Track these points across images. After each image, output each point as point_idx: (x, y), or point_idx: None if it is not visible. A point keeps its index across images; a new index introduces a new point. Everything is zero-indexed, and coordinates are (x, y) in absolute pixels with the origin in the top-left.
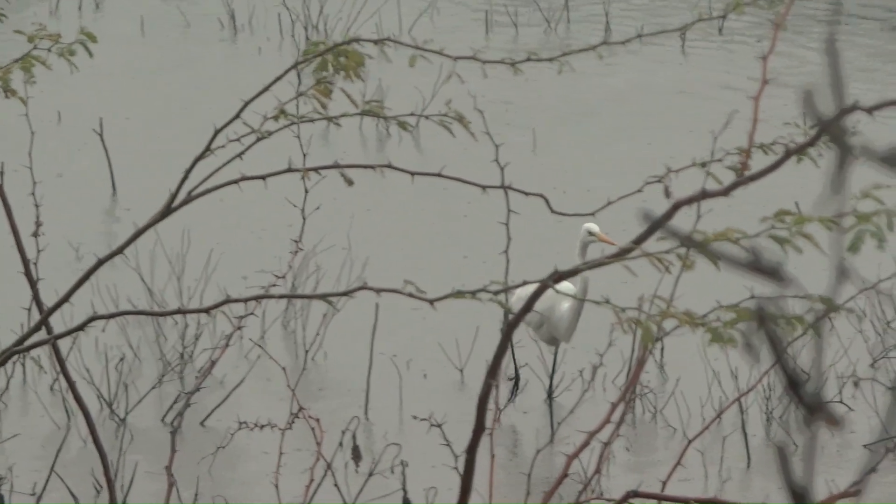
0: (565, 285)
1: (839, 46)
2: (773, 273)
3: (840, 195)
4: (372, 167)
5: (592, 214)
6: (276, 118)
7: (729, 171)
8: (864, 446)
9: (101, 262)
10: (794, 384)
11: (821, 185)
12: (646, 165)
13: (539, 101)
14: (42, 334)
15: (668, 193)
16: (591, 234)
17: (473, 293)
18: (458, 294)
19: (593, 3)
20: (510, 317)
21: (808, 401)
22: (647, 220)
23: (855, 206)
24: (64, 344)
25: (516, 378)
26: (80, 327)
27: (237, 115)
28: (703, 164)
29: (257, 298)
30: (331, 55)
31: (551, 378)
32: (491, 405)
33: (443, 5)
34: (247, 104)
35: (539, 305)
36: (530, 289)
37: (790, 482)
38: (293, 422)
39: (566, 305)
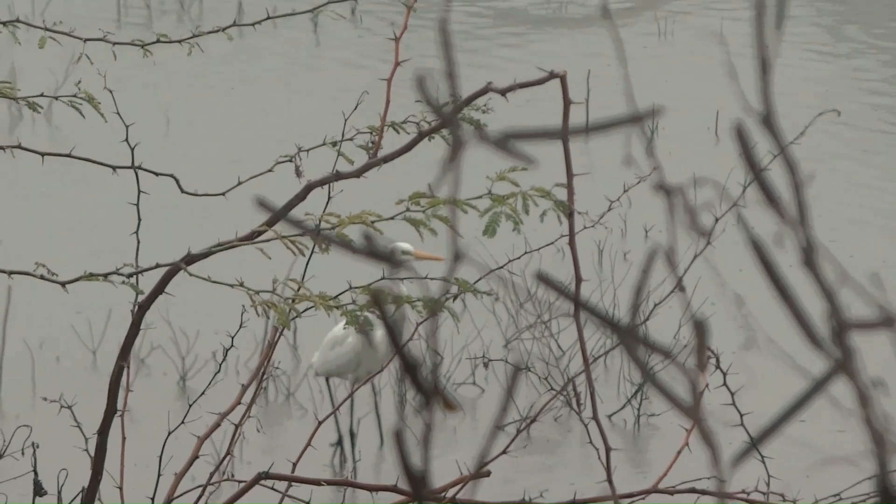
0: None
1: (451, 31)
2: (387, 258)
3: (454, 179)
4: (1, 148)
5: (223, 194)
6: None
7: (361, 151)
8: (496, 427)
9: None
10: (410, 368)
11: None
12: (280, 146)
13: (172, 83)
14: None
15: (299, 173)
16: (404, 253)
17: (105, 276)
18: (90, 277)
19: None
20: (140, 299)
21: (424, 385)
22: (261, 207)
23: (490, 188)
24: None
25: (340, 440)
26: None
27: None
28: (335, 144)
29: None
30: None
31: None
32: (122, 387)
33: None
34: None
35: (350, 346)
36: (337, 329)
37: (406, 467)
38: None
39: (380, 333)
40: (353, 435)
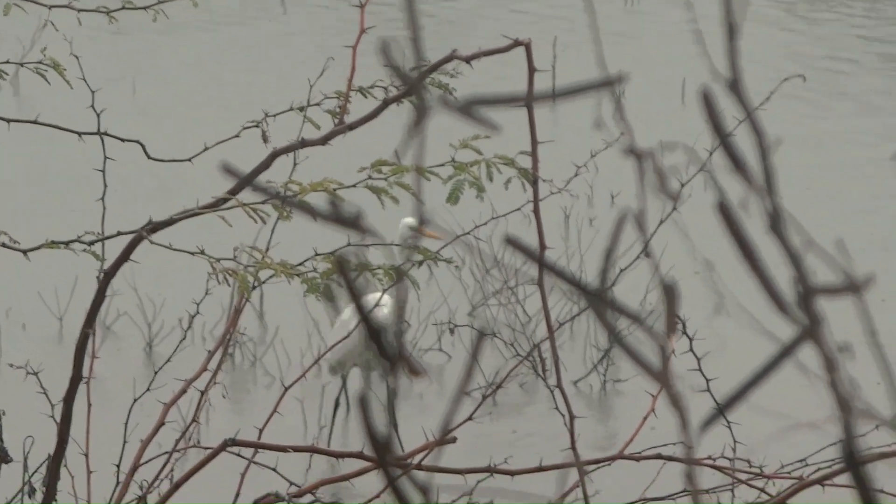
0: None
1: None
2: (353, 223)
3: (418, 145)
4: None
5: (190, 160)
6: None
7: (327, 116)
8: (461, 393)
9: None
10: (374, 334)
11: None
12: (247, 111)
13: (139, 50)
14: None
15: (265, 139)
16: (411, 229)
17: (67, 244)
18: (52, 245)
19: None
20: (106, 267)
21: (389, 351)
22: (226, 173)
23: (453, 156)
24: None
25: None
26: None
27: None
28: (301, 109)
29: None
30: None
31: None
32: (88, 354)
33: None
34: None
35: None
36: (346, 315)
37: (371, 434)
38: None
39: (385, 311)
40: (337, 405)
